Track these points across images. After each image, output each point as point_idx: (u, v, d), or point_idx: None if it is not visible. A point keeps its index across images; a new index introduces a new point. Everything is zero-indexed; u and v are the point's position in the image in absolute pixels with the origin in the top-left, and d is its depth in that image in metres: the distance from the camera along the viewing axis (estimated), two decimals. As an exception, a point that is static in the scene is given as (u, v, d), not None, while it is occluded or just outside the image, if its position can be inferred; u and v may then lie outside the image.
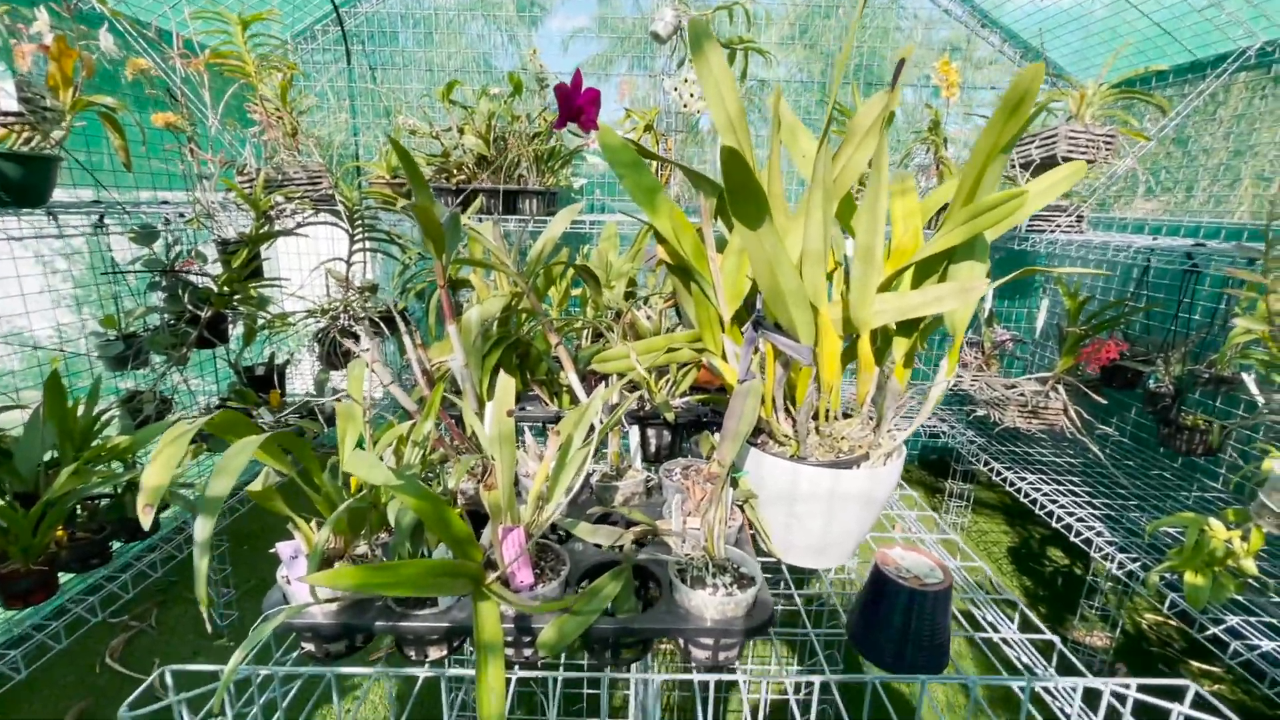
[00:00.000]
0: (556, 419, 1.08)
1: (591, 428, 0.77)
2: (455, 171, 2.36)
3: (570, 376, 0.98)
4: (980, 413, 2.36)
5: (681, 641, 0.64)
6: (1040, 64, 0.53)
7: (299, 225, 1.83)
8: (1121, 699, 0.56)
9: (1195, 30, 2.10)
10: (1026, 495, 1.85)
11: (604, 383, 1.15)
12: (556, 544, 0.71)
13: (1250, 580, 1.35)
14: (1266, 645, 1.22)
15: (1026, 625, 0.86)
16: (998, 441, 2.29)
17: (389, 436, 0.68)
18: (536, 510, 0.66)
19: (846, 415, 0.87)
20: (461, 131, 2.34)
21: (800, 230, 0.70)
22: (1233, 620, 1.30)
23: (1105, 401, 2.07)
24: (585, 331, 1.42)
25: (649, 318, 1.32)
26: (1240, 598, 1.41)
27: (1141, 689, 0.57)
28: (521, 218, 2.29)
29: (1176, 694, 0.61)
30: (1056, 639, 0.78)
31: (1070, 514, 1.71)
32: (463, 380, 0.82)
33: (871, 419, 0.80)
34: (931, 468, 3.14)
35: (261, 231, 1.61)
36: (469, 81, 2.86)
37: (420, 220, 0.64)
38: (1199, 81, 2.17)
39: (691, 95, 2.11)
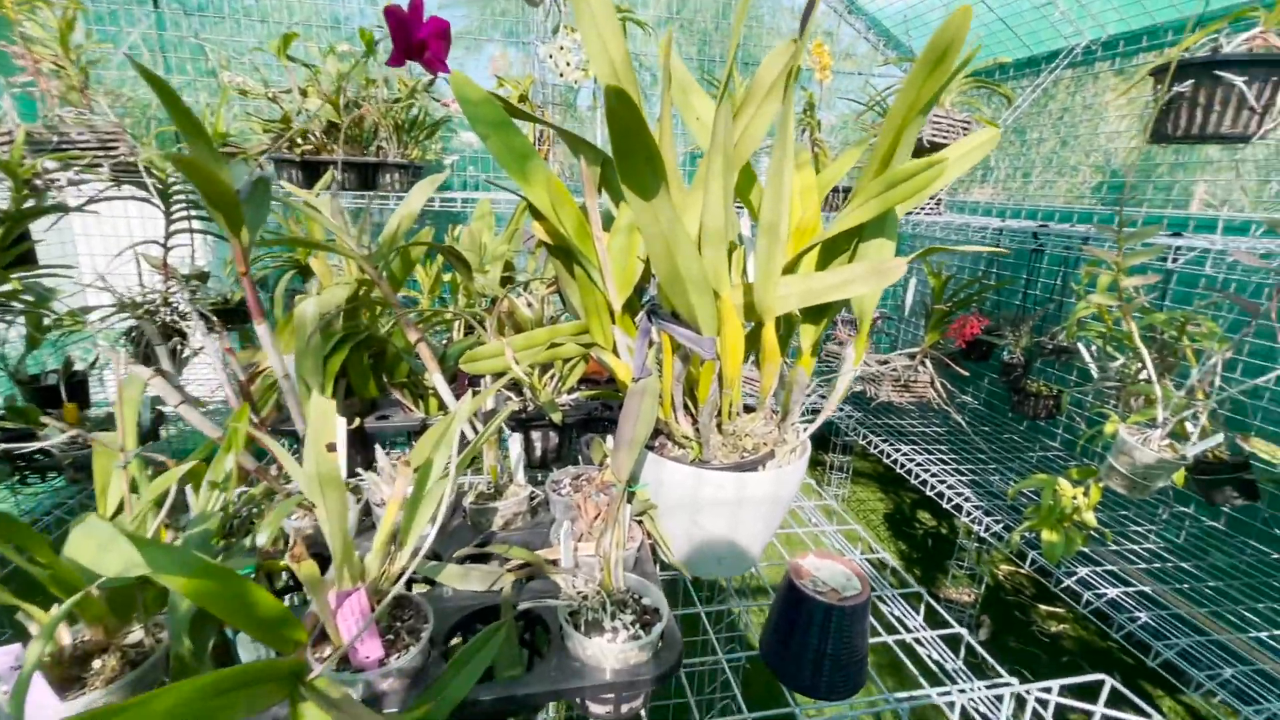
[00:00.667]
0: (422, 428, 0.92)
1: (466, 440, 0.63)
2: (300, 140, 2.05)
3: (436, 379, 0.83)
4: (858, 388, 2.45)
5: (578, 699, 0.53)
6: (968, 7, 0.47)
7: (90, 200, 1.48)
8: (1044, 704, 0.54)
9: (1032, 27, 2.27)
10: (902, 466, 1.93)
11: (478, 385, 1.01)
12: (418, 594, 0.57)
13: (1092, 532, 1.49)
14: (1112, 593, 1.34)
15: (903, 585, 0.86)
16: (874, 415, 2.40)
17: (170, 480, 0.51)
18: (386, 559, 0.52)
19: (748, 409, 0.80)
20: (305, 94, 2.03)
21: (698, 205, 0.60)
22: (1083, 572, 1.42)
23: (967, 373, 2.22)
24: (457, 323, 1.25)
25: (530, 305, 1.19)
26: (1086, 549, 1.56)
27: (1063, 690, 0.54)
28: (382, 194, 2.03)
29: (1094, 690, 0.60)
30: (924, 591, 0.77)
31: (941, 481, 1.81)
32: (286, 393, 0.65)
33: (776, 413, 0.74)
34: (813, 441, 3.27)
35: (25, 207, 1.26)
36: (315, 38, 2.50)
37: (198, 184, 0.47)
38: (1035, 75, 2.36)
39: (568, 64, 1.96)
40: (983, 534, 1.64)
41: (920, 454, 2.01)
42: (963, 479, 1.85)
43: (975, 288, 2.22)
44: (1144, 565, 1.48)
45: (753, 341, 0.71)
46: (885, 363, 2.34)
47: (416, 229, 1.27)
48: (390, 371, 0.97)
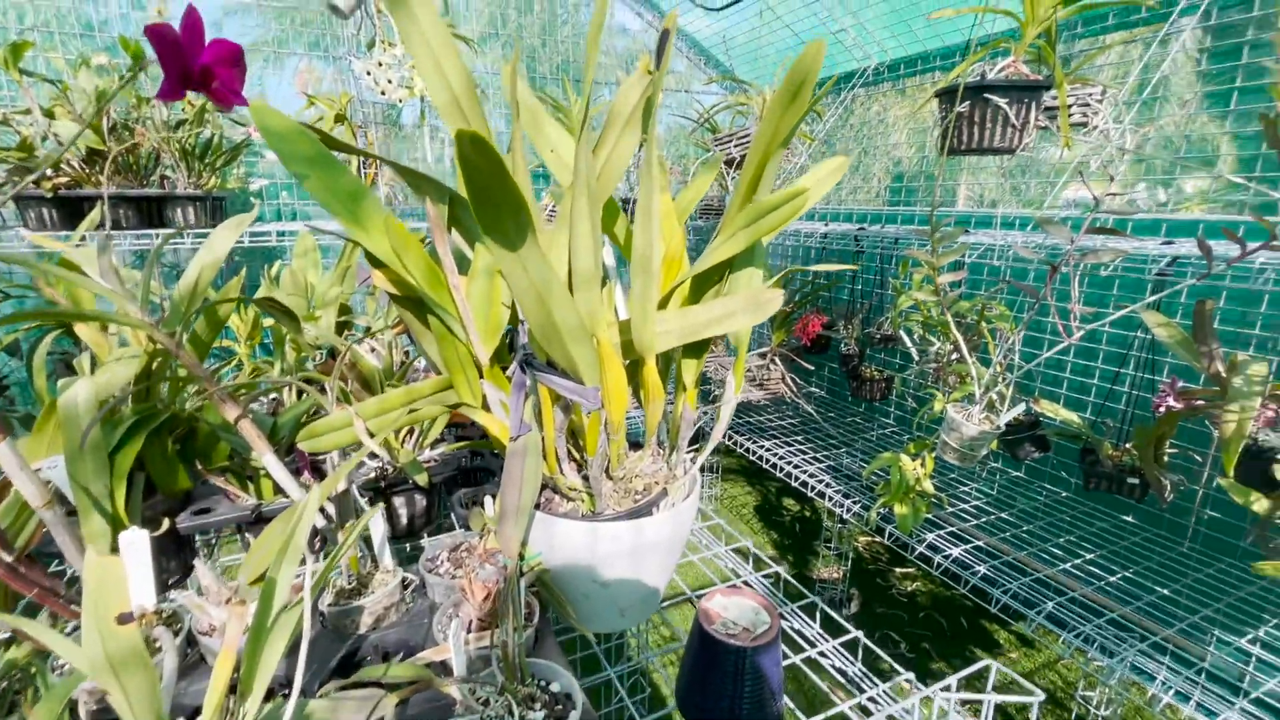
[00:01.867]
0: (257, 518, 0.77)
1: (317, 531, 0.53)
2: (53, 171, 1.68)
3: (267, 460, 0.69)
4: (717, 390, 2.55)
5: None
6: (822, 41, 0.48)
7: None
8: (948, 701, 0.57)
9: (832, 50, 2.52)
10: (767, 461, 2.04)
11: (322, 457, 0.87)
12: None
13: (933, 499, 1.67)
14: (955, 552, 1.51)
15: (758, 564, 0.89)
16: (734, 414, 2.52)
17: None
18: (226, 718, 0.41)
19: (634, 445, 0.77)
20: (51, 115, 1.68)
21: (563, 244, 0.56)
22: (930, 537, 1.58)
23: (811, 367, 2.40)
24: (290, 383, 1.08)
25: (375, 351, 1.06)
26: (929, 515, 1.74)
27: (960, 685, 0.58)
28: (174, 232, 1.73)
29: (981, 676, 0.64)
30: (782, 569, 0.80)
31: (802, 470, 1.93)
32: (51, 525, 0.49)
33: (662, 449, 0.71)
34: (681, 446, 3.35)
35: None
36: (58, 47, 2.08)
37: None
38: (836, 94, 2.62)
39: (390, 82, 1.81)
40: (845, 515, 1.77)
41: (781, 446, 2.13)
42: (820, 465, 1.99)
43: (811, 287, 2.41)
44: (974, 521, 1.68)
45: (632, 376, 0.69)
46: (740, 364, 2.45)
47: (227, 270, 1.08)
48: (205, 455, 0.81)
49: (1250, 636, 1.43)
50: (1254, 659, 1.39)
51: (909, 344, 1.82)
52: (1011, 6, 1.33)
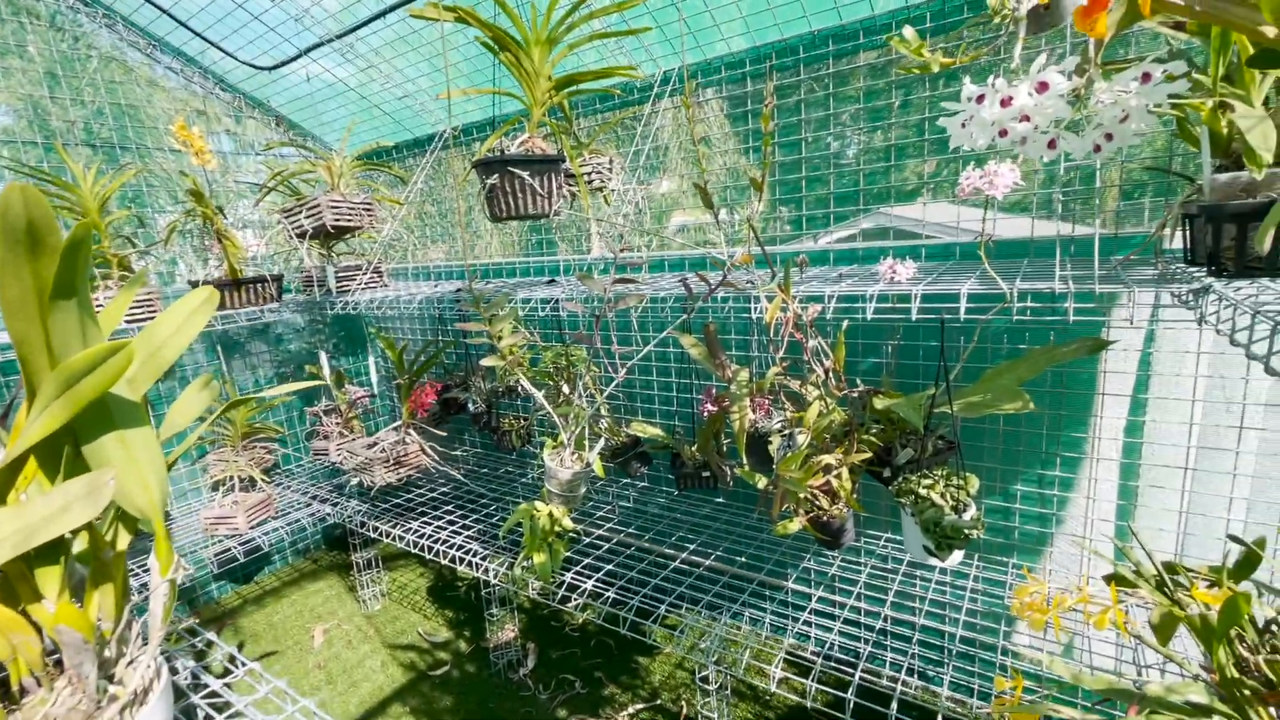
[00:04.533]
0: None
1: None
2: None
3: None
4: (355, 480, 2.30)
5: None
6: (28, 187, 0.38)
7: None
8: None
9: (399, 117, 2.51)
10: (415, 545, 1.90)
11: None
12: None
13: (571, 534, 1.76)
14: (589, 585, 1.60)
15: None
16: (380, 500, 2.30)
17: None
18: None
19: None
20: None
21: None
22: (567, 576, 1.65)
23: (445, 434, 2.33)
24: None
25: None
26: (569, 553, 1.83)
27: None
28: None
29: None
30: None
31: (449, 545, 1.85)
32: None
33: (74, 680, 0.54)
34: (337, 545, 2.95)
35: None
36: None
37: None
38: (421, 155, 2.63)
39: None
40: (490, 579, 1.74)
41: (430, 524, 2.01)
42: (472, 531, 1.94)
43: (430, 352, 2.34)
44: (614, 540, 1.82)
45: None
46: (373, 445, 2.25)
47: None
48: None
49: (799, 570, 1.84)
50: (813, 581, 1.77)
51: (530, 389, 1.89)
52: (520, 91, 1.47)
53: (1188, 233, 0.98)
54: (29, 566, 0.48)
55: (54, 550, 0.48)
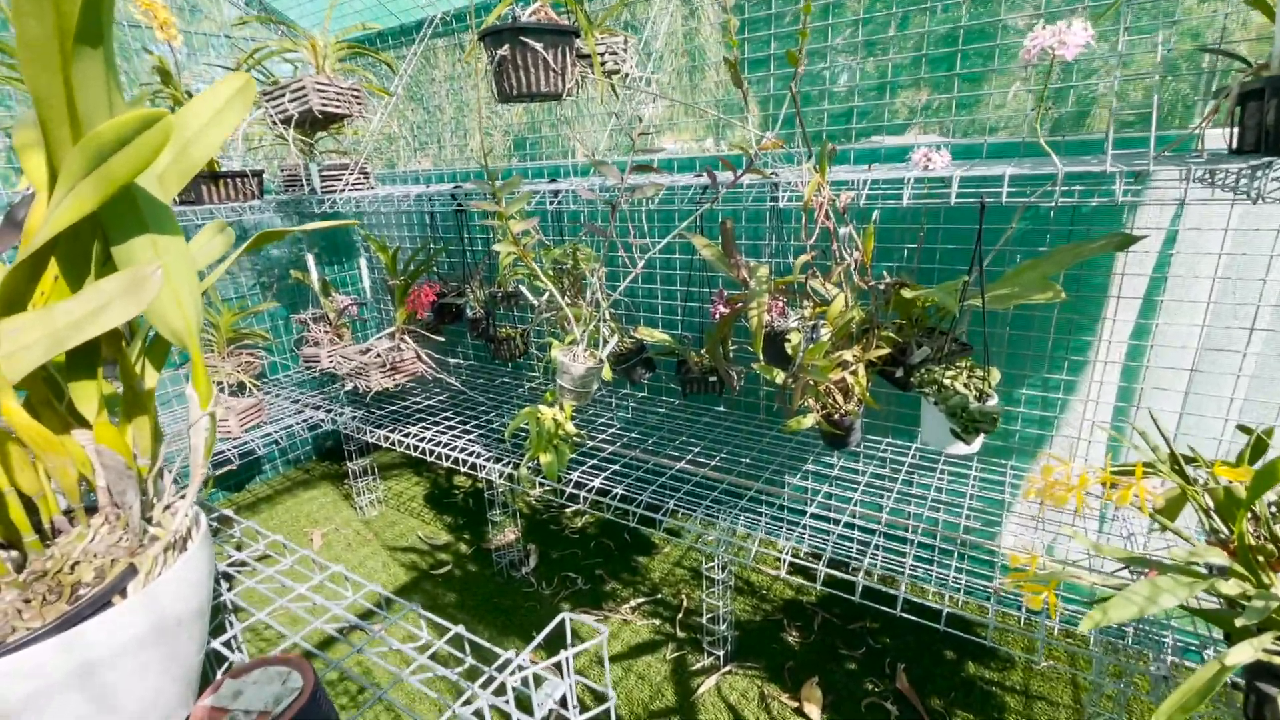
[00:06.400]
0: None
1: None
2: None
3: None
4: (349, 386, 2.26)
5: None
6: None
7: None
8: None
9: (394, -3, 2.31)
10: (416, 449, 1.88)
11: None
12: None
13: (574, 439, 1.75)
14: (597, 482, 1.61)
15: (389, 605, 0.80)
16: (375, 406, 2.26)
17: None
18: None
19: (91, 509, 0.54)
20: None
21: None
22: (575, 475, 1.66)
23: (443, 339, 2.28)
24: None
25: None
26: (574, 456, 1.83)
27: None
28: None
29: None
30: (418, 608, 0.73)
31: (452, 447, 1.84)
32: None
33: (119, 511, 0.51)
34: (330, 455, 2.94)
35: None
36: None
37: None
38: (410, 44, 2.44)
39: None
40: (495, 480, 1.74)
41: (429, 429, 2.00)
42: (472, 436, 1.92)
43: (424, 255, 2.26)
44: (615, 445, 1.83)
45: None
46: (367, 351, 2.20)
47: None
48: None
49: (800, 472, 1.88)
50: (809, 488, 1.81)
51: (529, 295, 1.84)
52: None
53: (1232, 129, 0.95)
54: (62, 382, 0.43)
55: (89, 362, 0.43)
